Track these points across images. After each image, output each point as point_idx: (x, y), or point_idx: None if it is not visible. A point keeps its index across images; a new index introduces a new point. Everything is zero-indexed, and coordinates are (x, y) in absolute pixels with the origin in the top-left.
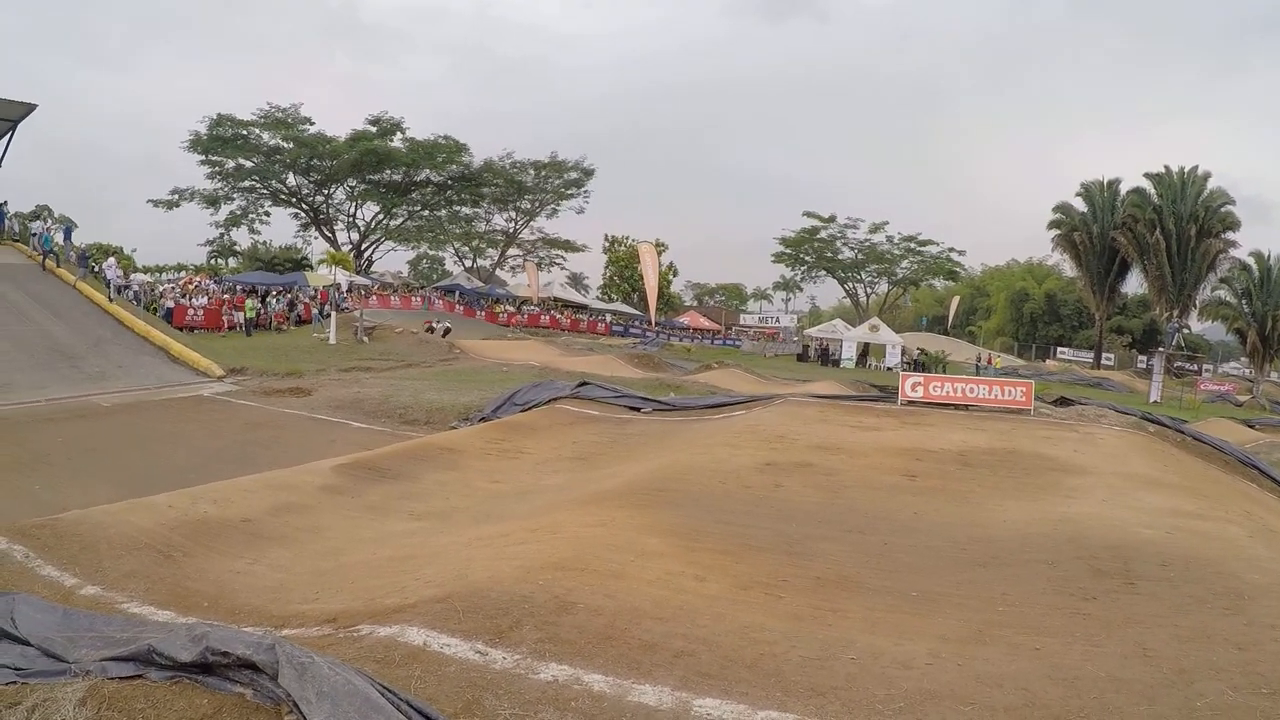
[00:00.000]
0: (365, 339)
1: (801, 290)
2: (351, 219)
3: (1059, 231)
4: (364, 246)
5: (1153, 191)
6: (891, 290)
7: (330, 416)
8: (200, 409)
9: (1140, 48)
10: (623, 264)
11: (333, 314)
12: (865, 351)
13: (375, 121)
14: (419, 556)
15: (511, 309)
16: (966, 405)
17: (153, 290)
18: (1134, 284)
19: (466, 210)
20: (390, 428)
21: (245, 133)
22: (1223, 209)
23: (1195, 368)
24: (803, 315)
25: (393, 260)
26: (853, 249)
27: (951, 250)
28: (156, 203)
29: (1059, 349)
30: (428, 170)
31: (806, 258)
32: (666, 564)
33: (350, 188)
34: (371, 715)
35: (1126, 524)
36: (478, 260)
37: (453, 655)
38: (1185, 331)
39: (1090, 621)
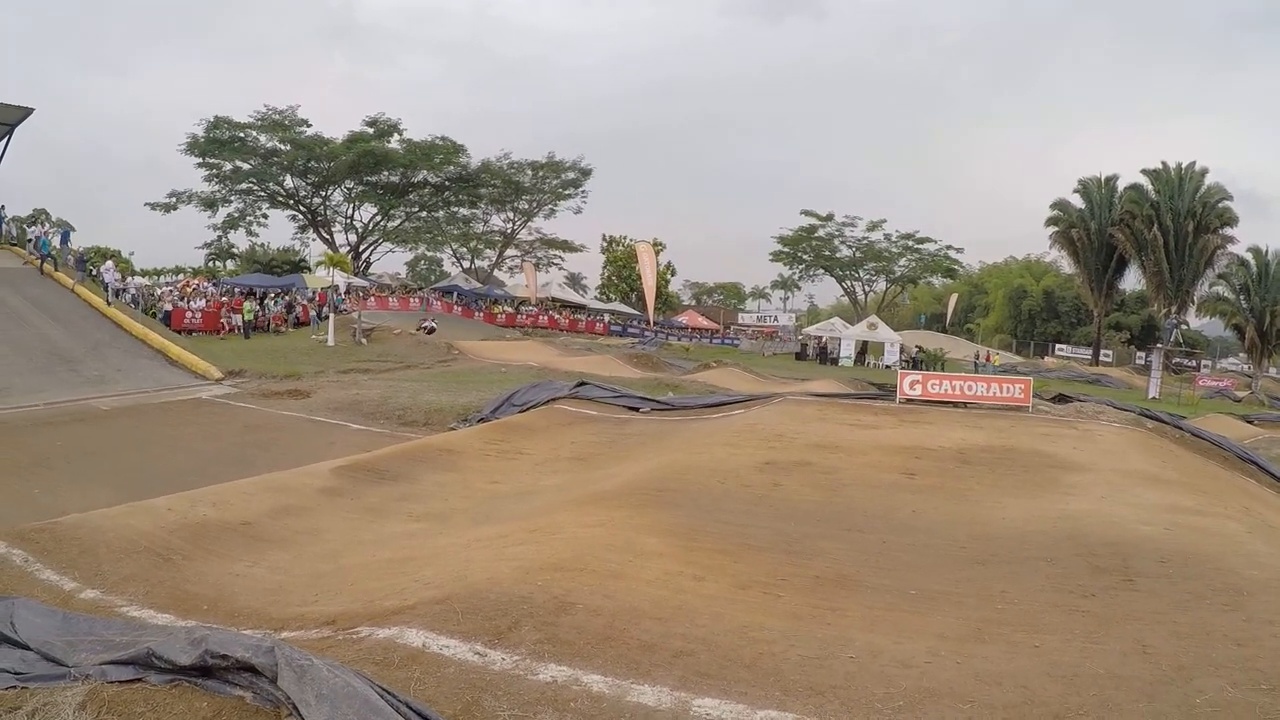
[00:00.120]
0: (363, 340)
1: (800, 289)
2: (349, 221)
3: (1057, 228)
4: (362, 248)
5: (1150, 188)
6: (889, 288)
7: (329, 418)
8: (199, 412)
9: (1137, 45)
10: (621, 264)
11: (331, 316)
12: (864, 350)
13: (372, 123)
14: (418, 558)
15: (510, 309)
16: (965, 403)
17: (151, 293)
18: (1132, 280)
19: (464, 211)
20: (389, 429)
21: (242, 135)
22: (1220, 204)
23: (1193, 364)
24: (801, 314)
25: (391, 262)
26: (850, 247)
27: (949, 248)
28: (154, 206)
29: (1057, 346)
30: (425, 171)
31: (804, 256)
32: (665, 564)
33: (348, 189)
34: (371, 717)
35: (1125, 521)
36: (475, 261)
37: (452, 657)
38: (1183, 327)
39: (1089, 619)
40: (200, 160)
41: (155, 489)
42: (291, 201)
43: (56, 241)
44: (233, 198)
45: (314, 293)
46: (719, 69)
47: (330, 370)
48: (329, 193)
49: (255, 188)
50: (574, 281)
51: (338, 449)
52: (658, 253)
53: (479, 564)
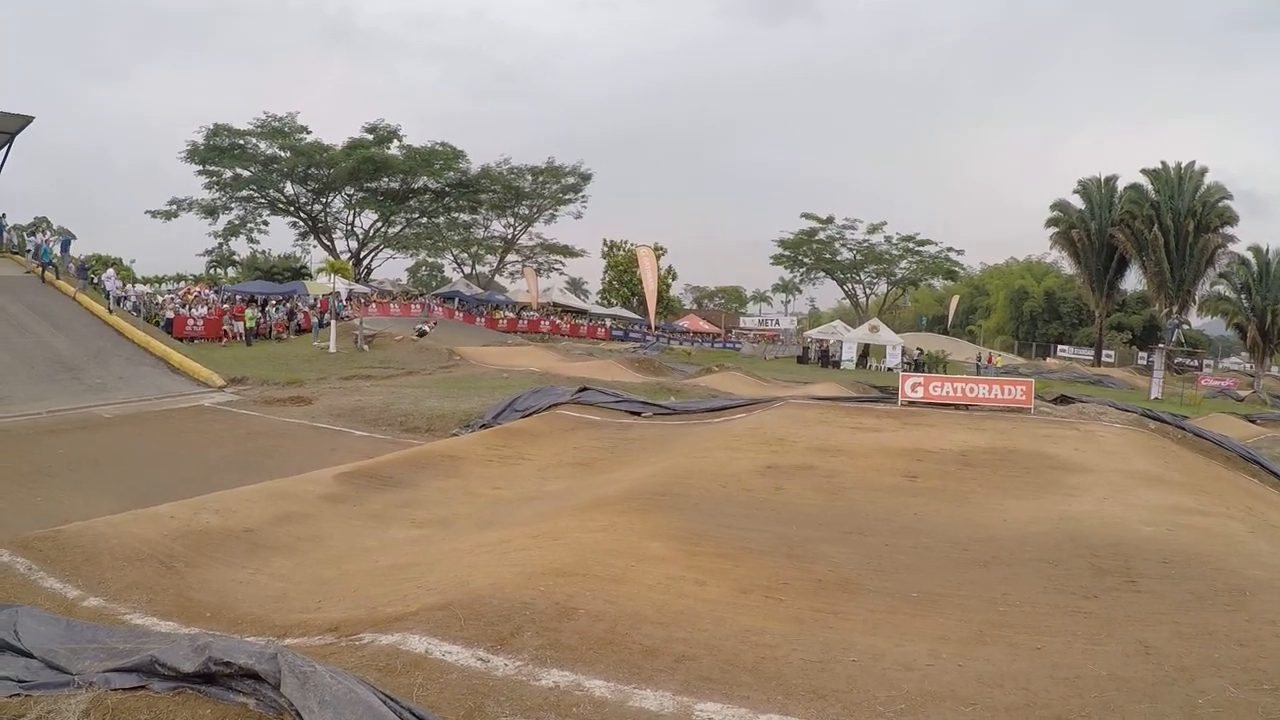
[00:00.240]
0: (365, 347)
1: (801, 292)
2: (350, 227)
3: (1057, 229)
4: (363, 254)
5: (1150, 188)
6: (891, 291)
7: (331, 425)
8: (201, 419)
9: (1137, 45)
10: (621, 268)
11: (332, 322)
12: (865, 352)
13: (372, 129)
14: (421, 564)
15: (511, 315)
16: (967, 405)
17: (152, 301)
18: (1133, 280)
19: (464, 217)
20: (391, 435)
21: (242, 142)
22: (1220, 204)
23: (1195, 363)
24: (802, 317)
25: (392, 268)
26: (851, 250)
27: (950, 250)
28: (155, 213)
29: (1059, 347)
30: (425, 177)
31: (805, 259)
32: (667, 568)
33: (348, 196)
34: None
35: (1127, 521)
36: (476, 267)
37: (454, 663)
38: (1185, 327)
39: (1091, 620)
40: (200, 168)
41: (158, 496)
42: (292, 208)
43: (57, 249)
44: (233, 205)
45: (315, 299)
46: (718, 71)
47: (332, 377)
48: (329, 199)
49: (255, 195)
50: (575, 286)
51: (340, 455)
52: (658, 257)
53: (482, 570)
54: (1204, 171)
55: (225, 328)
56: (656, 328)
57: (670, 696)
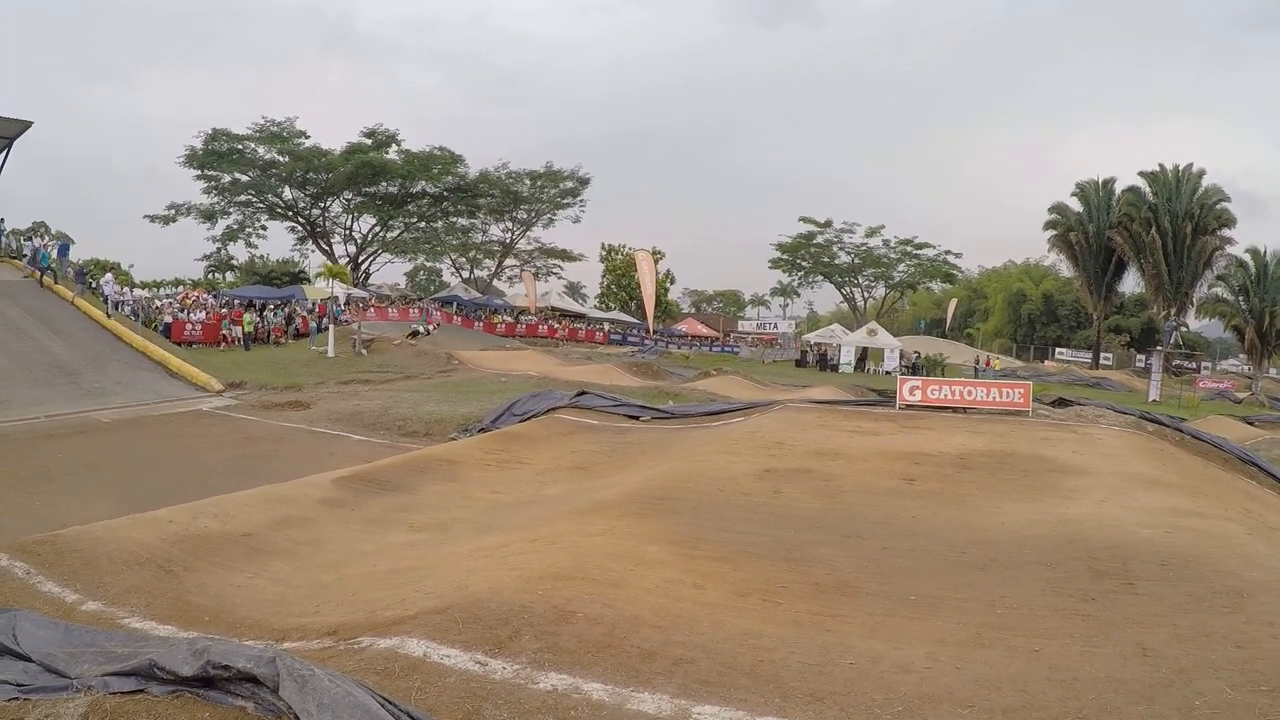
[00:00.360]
0: (363, 351)
1: (799, 296)
2: (348, 232)
3: (1055, 232)
4: (361, 259)
5: (1148, 190)
6: (889, 294)
7: (329, 429)
8: (199, 423)
9: (1136, 46)
10: (620, 272)
11: (331, 327)
12: (864, 356)
13: (370, 134)
14: (419, 568)
15: (509, 319)
16: (965, 408)
17: (151, 305)
18: (1131, 283)
19: (463, 221)
20: (390, 440)
21: (241, 147)
22: (1218, 206)
23: (1194, 365)
24: (801, 320)
25: (390, 272)
26: (849, 253)
27: (948, 253)
28: (153, 218)
29: (1057, 349)
30: (424, 182)
31: (803, 263)
32: (665, 572)
33: (346, 200)
34: None
35: (1125, 524)
36: (475, 271)
37: (453, 666)
38: (1183, 329)
39: (1089, 622)
40: (199, 172)
41: (156, 501)
42: (290, 213)
43: (55, 254)
44: (232, 210)
45: (314, 304)
46: (717, 74)
47: (330, 381)
48: (328, 204)
49: (254, 199)
50: (573, 290)
51: (338, 460)
52: (656, 261)
53: (480, 574)
54: (1202, 174)
55: (224, 332)
56: (655, 332)
57: (668, 699)
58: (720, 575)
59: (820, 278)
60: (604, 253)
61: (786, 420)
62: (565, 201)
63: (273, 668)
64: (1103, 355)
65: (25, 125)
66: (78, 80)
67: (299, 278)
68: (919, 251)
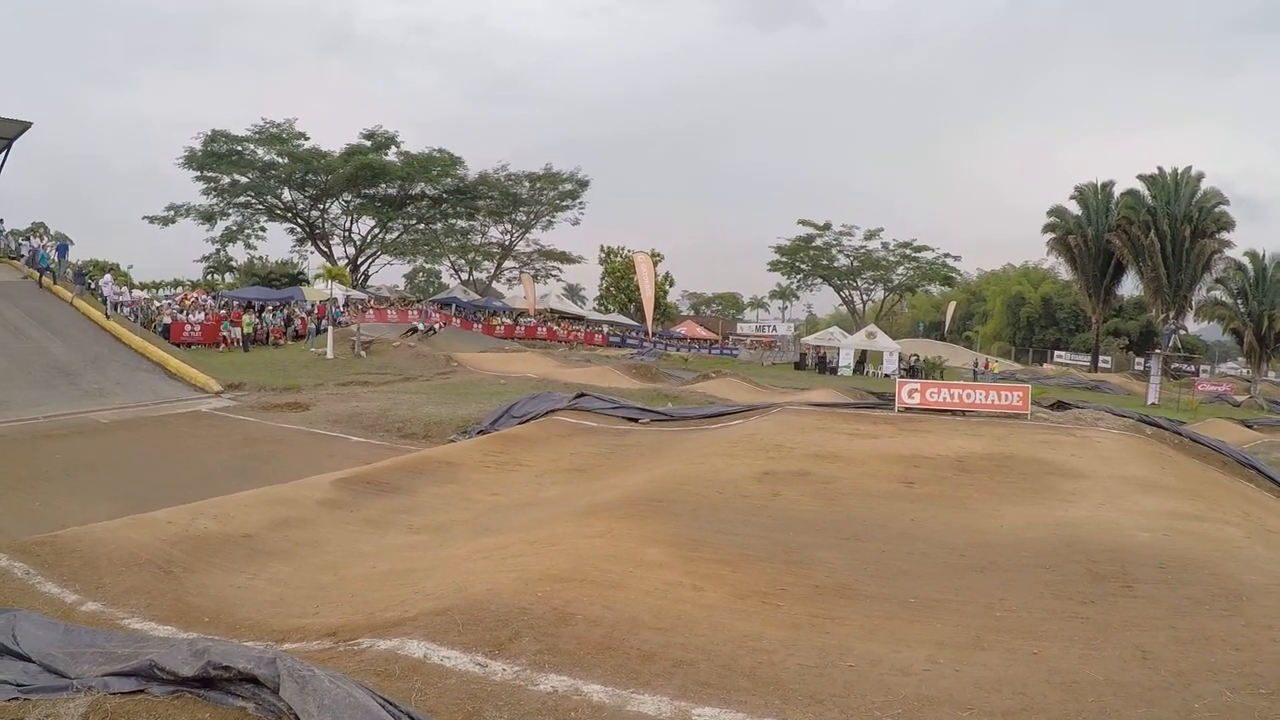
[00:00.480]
0: (362, 353)
1: (798, 298)
2: (347, 233)
3: (1054, 235)
4: (360, 261)
5: (1146, 193)
6: (888, 297)
7: (328, 431)
8: (198, 424)
9: (1136, 49)
10: (619, 274)
11: (329, 328)
12: (862, 359)
13: (370, 135)
14: (418, 570)
15: (508, 321)
16: (964, 411)
17: (150, 306)
18: (1130, 286)
19: (462, 223)
20: (389, 442)
21: (240, 148)
22: (1217, 209)
23: (1192, 369)
24: (799, 323)
25: (389, 274)
26: (848, 256)
27: (947, 256)
28: (152, 219)
29: (1056, 352)
30: (423, 184)
31: (802, 266)
32: (665, 574)
33: (346, 202)
34: None
35: (1124, 527)
36: (474, 273)
37: (453, 667)
38: (1182, 332)
39: (1088, 625)
40: (198, 173)
41: (156, 501)
42: (289, 214)
43: (54, 255)
44: (231, 211)
45: (313, 305)
46: (717, 75)
47: (329, 383)
48: (327, 205)
49: (253, 201)
50: (572, 293)
51: (337, 461)
52: (655, 263)
53: (479, 575)
54: (1200, 177)
55: (223, 333)
56: (654, 334)
57: (668, 701)
58: (719, 577)
59: (819, 280)
60: (603, 255)
61: (785, 423)
62: (564, 204)
63: (273, 668)
64: (1101, 358)
65: (25, 126)
66: (77, 81)
67: (298, 279)
68: (918, 254)
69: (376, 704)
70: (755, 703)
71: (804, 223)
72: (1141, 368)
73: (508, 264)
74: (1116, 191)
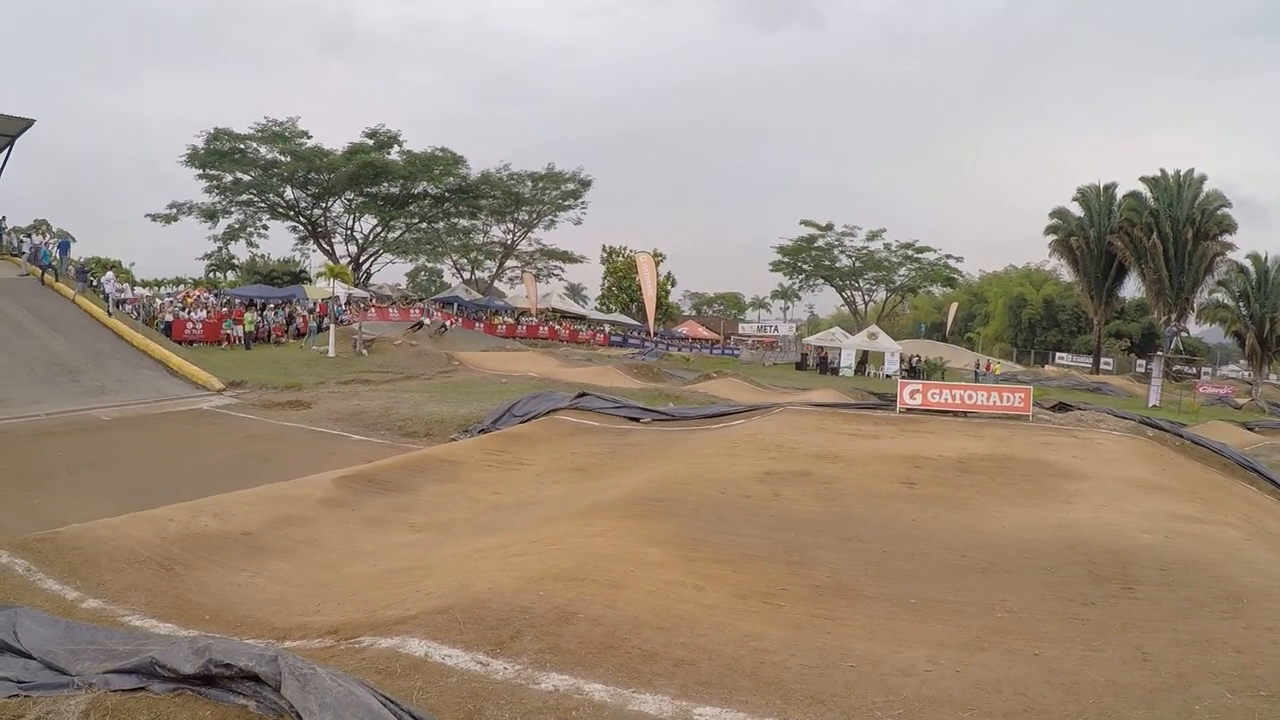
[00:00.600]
0: (364, 351)
1: (799, 299)
2: (349, 232)
3: (1056, 236)
4: (362, 259)
5: (1149, 195)
6: (889, 298)
7: (330, 429)
8: (200, 422)
9: (1137, 50)
10: (621, 274)
11: (332, 326)
12: (864, 359)
13: (372, 134)
14: (420, 568)
15: (510, 320)
16: (965, 412)
17: (151, 304)
18: (1132, 288)
19: (464, 222)
20: (390, 440)
21: (242, 146)
22: (1219, 211)
23: (1194, 371)
24: (801, 324)
25: (391, 273)
26: (850, 257)
27: (949, 257)
28: (155, 217)
29: (1057, 354)
30: (425, 183)
31: (804, 266)
32: (666, 574)
33: (348, 201)
34: None
35: (1125, 528)
36: (476, 272)
37: (454, 666)
38: (1183, 335)
39: (1089, 626)
40: (201, 172)
41: (157, 499)
42: (292, 213)
43: (55, 251)
44: (233, 209)
45: (315, 304)
46: (718, 75)
47: (331, 381)
48: (329, 204)
49: (255, 199)
50: (574, 292)
51: (339, 460)
52: (658, 263)
53: (481, 574)
54: (1203, 179)
55: (227, 331)
56: (655, 334)
57: (669, 701)
58: (721, 577)
59: (821, 281)
60: (605, 255)
61: (787, 423)
62: (566, 203)
63: (275, 666)
64: (1103, 360)
65: (27, 123)
66: (79, 79)
67: (300, 277)
68: (920, 255)
69: (378, 702)
70: (756, 703)
71: (806, 223)
72: (1143, 370)
73: (510, 263)
74: (1119, 193)
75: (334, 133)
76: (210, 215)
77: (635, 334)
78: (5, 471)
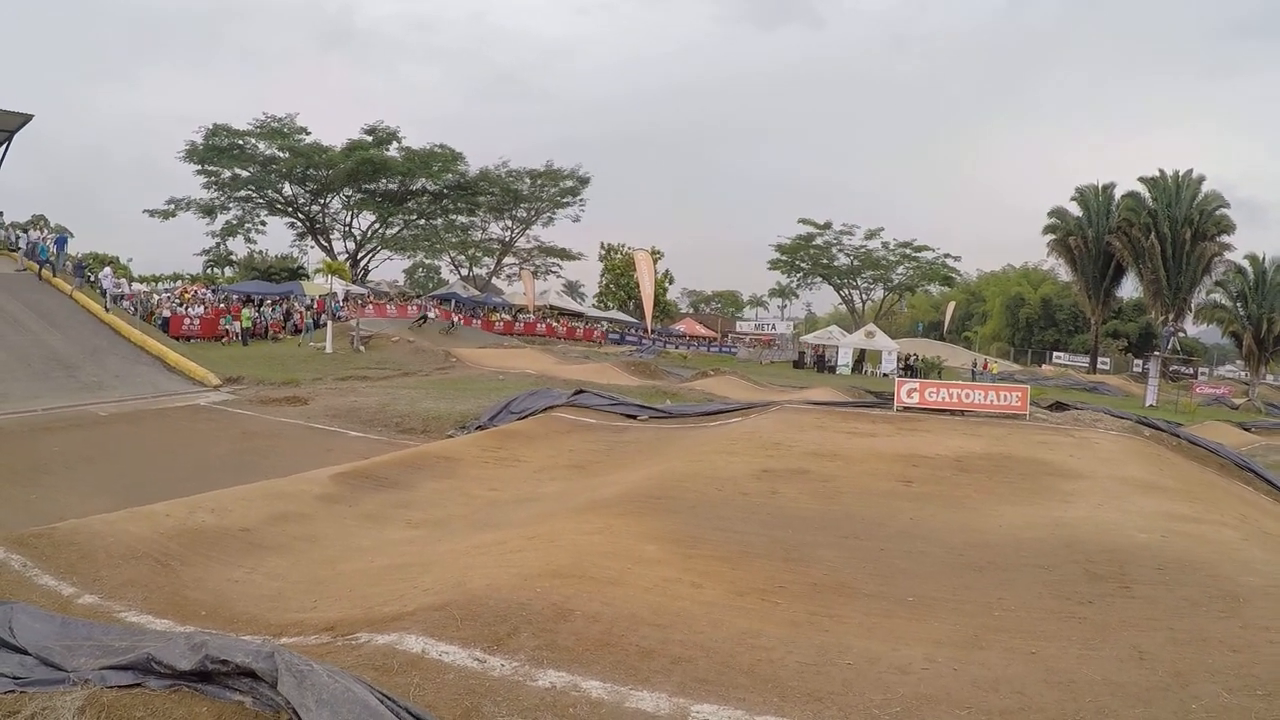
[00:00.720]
0: (361, 348)
1: (797, 297)
2: (347, 228)
3: (1054, 236)
4: (360, 256)
5: (1147, 195)
6: (887, 296)
7: (327, 425)
8: (197, 418)
9: (1138, 50)
10: (618, 271)
11: (329, 323)
12: (861, 358)
13: (371, 131)
14: (416, 565)
15: (508, 317)
16: (962, 411)
17: (149, 299)
18: (1129, 288)
19: (462, 219)
20: (387, 436)
21: (241, 142)
22: (1217, 212)
23: (1191, 371)
24: (799, 322)
25: (389, 269)
26: (848, 255)
27: (947, 256)
28: (152, 212)
29: (1055, 353)
30: (424, 179)
31: (802, 264)
32: (663, 571)
33: (346, 197)
34: None
35: (1122, 528)
36: (474, 269)
37: (451, 662)
38: (1181, 335)
39: (1086, 625)
40: (199, 167)
41: (153, 495)
42: (290, 209)
43: (53, 247)
44: (231, 205)
45: (312, 300)
46: (717, 74)
47: (328, 377)
48: (327, 200)
49: (254, 195)
50: (572, 289)
51: (336, 456)
52: (655, 261)
53: (478, 571)
54: (1201, 180)
55: (225, 327)
56: (653, 331)
57: (666, 698)
58: (718, 574)
59: (819, 279)
60: (603, 252)
61: (784, 421)
62: (565, 200)
63: (271, 663)
64: (1100, 360)
65: (26, 118)
66: (78, 75)
67: (298, 274)
68: (918, 254)
69: (375, 699)
70: (754, 700)
71: (804, 221)
72: (1140, 370)
73: (508, 260)
74: (1117, 193)
75: (333, 130)
76: (208, 211)
77: (633, 331)
78: (2, 467)
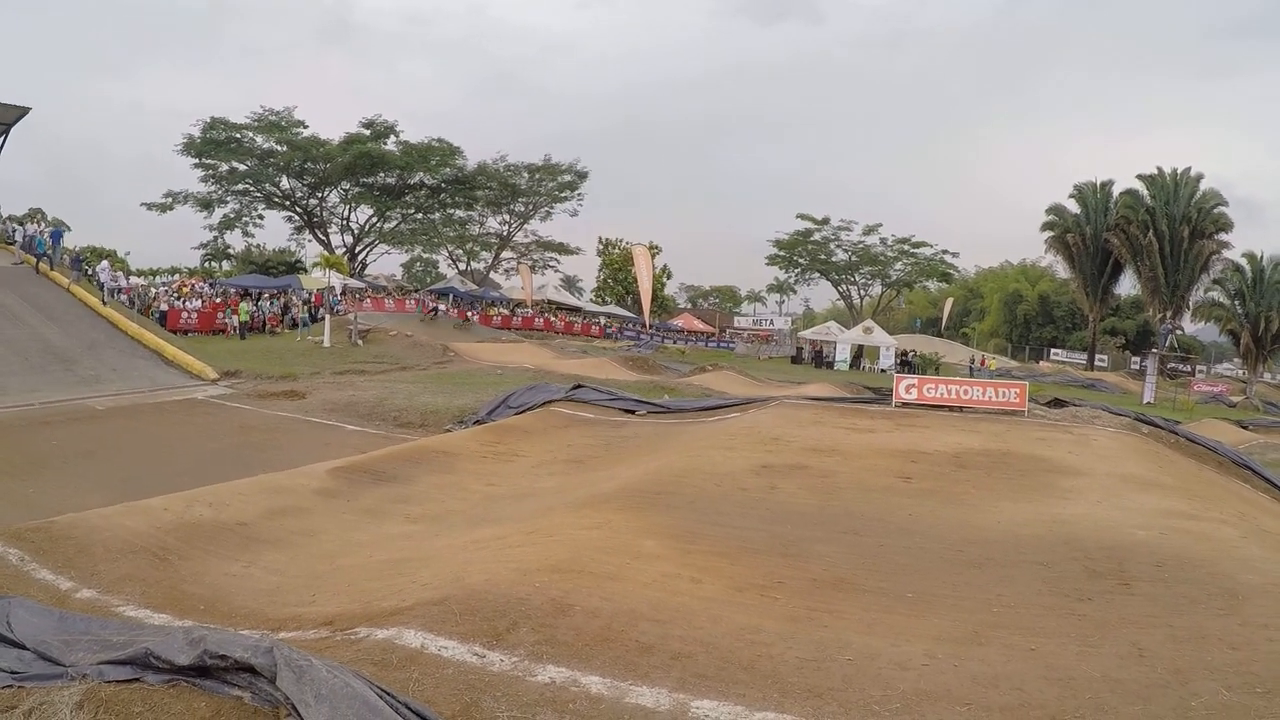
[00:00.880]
0: (359, 342)
1: (795, 293)
2: (345, 222)
3: (1052, 233)
4: (358, 249)
5: (1146, 193)
6: (885, 292)
7: (325, 419)
8: (194, 412)
9: (1137, 50)
10: (617, 266)
11: (326, 317)
12: (859, 354)
13: (369, 125)
14: (415, 559)
15: (505, 312)
16: (960, 407)
17: (147, 293)
18: (1127, 285)
19: (460, 213)
20: (385, 431)
21: (239, 136)
22: (1215, 210)
23: (1188, 369)
24: (797, 317)
25: (387, 263)
26: (846, 251)
27: (945, 252)
28: (150, 206)
29: (1052, 350)
30: (421, 173)
31: (800, 260)
32: (663, 566)
33: (344, 191)
34: (369, 717)
35: (1121, 525)
36: (471, 263)
37: (450, 658)
38: (1178, 333)
39: (1085, 622)
40: (197, 161)
41: (151, 489)
42: (288, 203)
43: (49, 240)
44: (229, 198)
45: (310, 294)
46: (715, 70)
47: (326, 371)
48: (325, 194)
49: (251, 189)
50: (570, 284)
51: (334, 450)
52: (654, 256)
53: (477, 566)
54: (1199, 178)
55: (226, 320)
56: (651, 326)
57: (666, 693)
58: (717, 570)
59: (817, 275)
60: (601, 246)
61: (783, 416)
62: (563, 195)
63: (270, 658)
64: (1098, 357)
65: (23, 111)
66: (76, 69)
67: (295, 267)
68: (916, 250)
69: (374, 694)
70: (754, 695)
71: (803, 217)
72: (1138, 367)
73: (505, 254)
74: (1116, 191)
75: (331, 124)
76: (206, 205)
77: (631, 326)
78: None
